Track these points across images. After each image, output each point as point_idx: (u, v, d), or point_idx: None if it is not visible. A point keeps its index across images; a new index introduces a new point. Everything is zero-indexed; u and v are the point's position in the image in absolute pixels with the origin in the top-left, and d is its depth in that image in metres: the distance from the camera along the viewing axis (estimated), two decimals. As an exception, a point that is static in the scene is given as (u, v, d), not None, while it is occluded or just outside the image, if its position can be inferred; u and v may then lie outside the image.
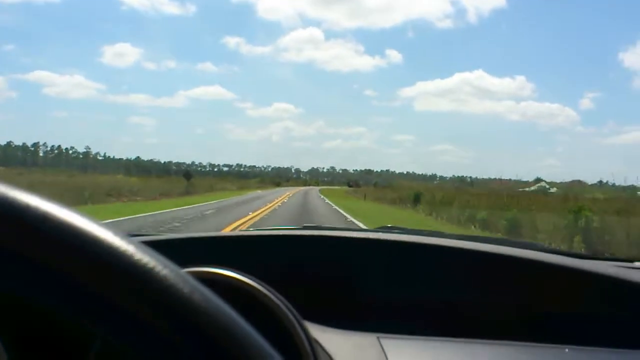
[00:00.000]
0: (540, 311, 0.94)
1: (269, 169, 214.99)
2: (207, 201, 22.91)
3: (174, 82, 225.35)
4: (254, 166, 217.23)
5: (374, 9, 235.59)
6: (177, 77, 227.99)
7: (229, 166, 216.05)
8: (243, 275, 0.60)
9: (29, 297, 0.26)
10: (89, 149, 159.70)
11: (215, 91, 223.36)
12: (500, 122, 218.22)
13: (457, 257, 1.01)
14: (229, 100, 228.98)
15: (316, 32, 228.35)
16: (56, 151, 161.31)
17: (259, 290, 0.60)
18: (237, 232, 1.25)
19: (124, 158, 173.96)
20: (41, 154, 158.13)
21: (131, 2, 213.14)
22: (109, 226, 0.27)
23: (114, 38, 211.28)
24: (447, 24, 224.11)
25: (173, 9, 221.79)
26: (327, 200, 28.84)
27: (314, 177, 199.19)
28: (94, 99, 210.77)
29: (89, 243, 0.25)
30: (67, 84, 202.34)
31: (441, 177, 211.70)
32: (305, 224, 1.34)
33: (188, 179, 35.51)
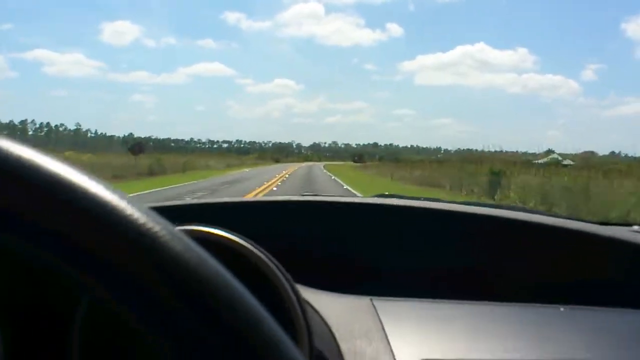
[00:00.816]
0: (544, 275, 0.95)
1: (270, 145, 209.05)
2: (157, 187, 15.79)
3: (174, 59, 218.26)
4: (254, 142, 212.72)
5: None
6: (177, 54, 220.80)
7: (229, 142, 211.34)
8: (233, 234, 0.60)
9: (21, 254, 0.25)
10: (79, 126, 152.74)
11: (215, 68, 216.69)
12: (502, 94, 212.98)
13: (457, 221, 1.01)
14: (230, 77, 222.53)
15: (317, 7, 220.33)
16: (46, 129, 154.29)
17: (248, 248, 0.60)
18: (231, 199, 1.15)
19: (117, 135, 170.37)
20: (30, 132, 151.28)
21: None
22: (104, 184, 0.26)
23: (113, 15, 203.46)
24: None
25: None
26: (345, 186, 20.45)
27: (316, 152, 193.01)
28: (94, 77, 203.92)
29: (84, 199, 0.25)
30: (67, 62, 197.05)
31: (445, 150, 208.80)
32: (302, 193, 1.28)
33: (136, 153, 27.35)
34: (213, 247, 0.26)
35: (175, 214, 0.92)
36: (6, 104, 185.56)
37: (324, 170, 40.39)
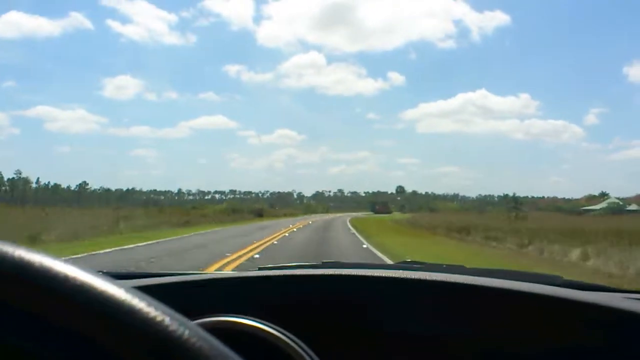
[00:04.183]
0: (565, 347, 0.93)
1: (267, 195, 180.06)
2: None
3: (176, 112, 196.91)
4: (250, 192, 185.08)
5: (375, 31, 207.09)
6: (179, 107, 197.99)
7: (221, 192, 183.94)
8: (259, 322, 0.59)
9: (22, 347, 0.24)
10: (19, 174, 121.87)
11: (217, 120, 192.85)
12: (505, 141, 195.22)
13: (478, 295, 1.01)
14: (232, 129, 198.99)
15: (317, 57, 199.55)
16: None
17: (275, 336, 0.59)
18: (247, 272, 1.11)
19: (62, 185, 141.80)
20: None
21: (130, 34, 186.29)
22: (100, 274, 0.25)
23: (115, 71, 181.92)
24: (449, 44, 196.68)
25: (173, 39, 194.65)
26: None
27: (320, 202, 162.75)
28: (96, 132, 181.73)
29: (92, 296, 0.24)
30: (69, 118, 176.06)
31: (463, 197, 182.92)
32: (324, 261, 1.30)
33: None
34: (237, 336, 0.26)
35: (181, 292, 0.97)
36: (12, 162, 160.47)
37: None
